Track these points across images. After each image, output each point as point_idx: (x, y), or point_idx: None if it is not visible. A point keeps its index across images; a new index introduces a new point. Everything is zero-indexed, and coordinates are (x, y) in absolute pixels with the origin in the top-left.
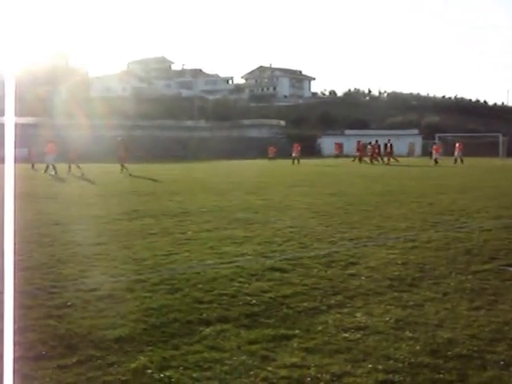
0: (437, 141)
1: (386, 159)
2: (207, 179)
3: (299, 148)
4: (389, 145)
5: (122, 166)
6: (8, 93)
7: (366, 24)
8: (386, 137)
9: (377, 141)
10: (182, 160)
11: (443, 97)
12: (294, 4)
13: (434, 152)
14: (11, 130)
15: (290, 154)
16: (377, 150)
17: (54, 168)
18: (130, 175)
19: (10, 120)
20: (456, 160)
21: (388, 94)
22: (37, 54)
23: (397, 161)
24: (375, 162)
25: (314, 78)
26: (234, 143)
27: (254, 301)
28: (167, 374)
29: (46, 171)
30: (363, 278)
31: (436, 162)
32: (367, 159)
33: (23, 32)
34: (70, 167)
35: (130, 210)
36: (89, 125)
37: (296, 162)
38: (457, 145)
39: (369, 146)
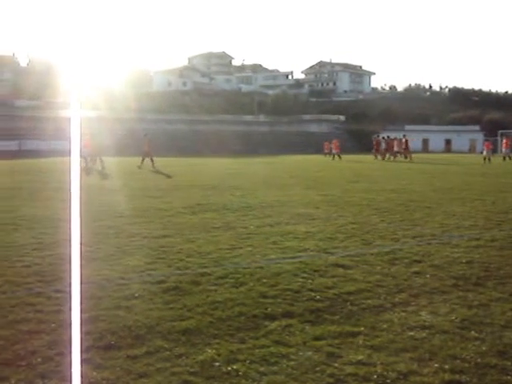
0: (487, 138)
1: (404, 156)
2: (267, 174)
3: (338, 144)
4: (404, 140)
5: (143, 160)
6: (73, 88)
7: (427, 18)
8: (447, 133)
9: (404, 135)
10: (242, 155)
11: (506, 92)
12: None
13: (485, 149)
14: (76, 124)
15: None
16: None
17: (86, 162)
18: (154, 171)
19: (76, 114)
20: (504, 157)
21: (449, 89)
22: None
23: (410, 158)
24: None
25: (374, 73)
26: (293, 138)
27: (318, 297)
28: (234, 367)
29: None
30: (427, 276)
31: (486, 159)
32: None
33: (87, 28)
34: (142, 160)
35: (192, 204)
36: (150, 119)
37: (333, 157)
38: (504, 141)
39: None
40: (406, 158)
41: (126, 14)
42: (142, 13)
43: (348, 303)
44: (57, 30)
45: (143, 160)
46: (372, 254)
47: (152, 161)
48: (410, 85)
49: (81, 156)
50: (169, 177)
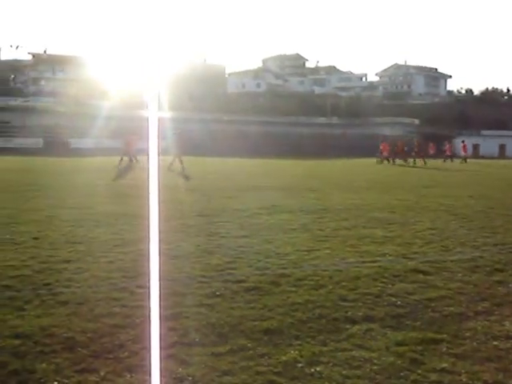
0: None
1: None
2: (340, 177)
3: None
4: (416, 144)
5: (180, 160)
6: (150, 88)
7: (505, 20)
8: None
9: (463, 141)
10: (314, 157)
11: None
12: (428, 1)
13: None
14: (154, 124)
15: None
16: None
17: (131, 161)
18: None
19: (153, 114)
20: None
21: None
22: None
23: (423, 163)
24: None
25: (450, 76)
26: (366, 141)
27: (398, 302)
28: (318, 368)
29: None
30: (510, 285)
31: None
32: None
33: (164, 30)
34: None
35: (268, 205)
36: (226, 120)
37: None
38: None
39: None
40: (405, 161)
41: (202, 15)
42: (217, 14)
43: (429, 310)
44: (132, 30)
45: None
46: (452, 261)
47: (180, 162)
48: (486, 88)
49: (126, 155)
50: (242, 178)
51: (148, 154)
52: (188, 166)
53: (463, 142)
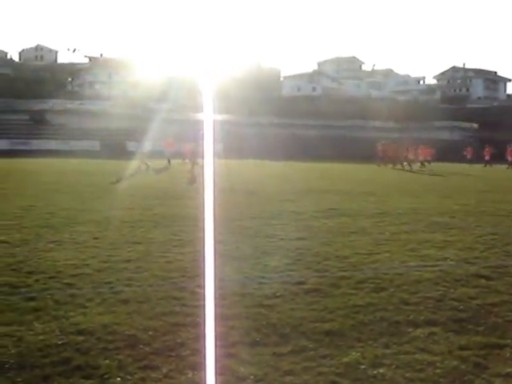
0: None
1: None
2: (399, 180)
3: (491, 152)
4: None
5: (193, 164)
6: (206, 91)
7: None
8: None
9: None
10: (370, 161)
11: None
12: (487, 3)
13: None
14: (210, 127)
15: (483, 158)
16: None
17: (169, 162)
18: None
19: (209, 117)
20: None
21: None
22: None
23: (409, 166)
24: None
25: (510, 80)
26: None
27: (461, 306)
28: (380, 371)
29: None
30: None
31: None
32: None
33: (219, 33)
34: (192, 164)
35: (326, 208)
36: (281, 124)
37: (488, 165)
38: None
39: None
40: (401, 165)
41: (258, 18)
42: (273, 17)
43: (492, 315)
44: (188, 33)
45: (193, 164)
46: None
47: (194, 163)
48: None
49: (165, 156)
50: (298, 181)
51: (201, 157)
52: (243, 170)
53: (510, 146)
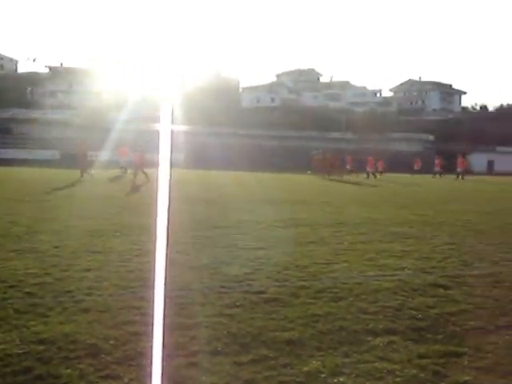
0: None
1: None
2: (356, 191)
3: (466, 163)
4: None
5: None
6: (166, 101)
7: None
8: None
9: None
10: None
11: None
12: (444, 17)
13: None
14: (167, 137)
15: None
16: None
17: (125, 170)
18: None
19: (166, 127)
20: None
21: None
22: (191, 65)
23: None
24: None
25: (465, 93)
26: (381, 156)
27: (419, 315)
28: (341, 379)
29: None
30: None
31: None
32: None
33: (179, 44)
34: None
35: (285, 218)
36: (241, 134)
37: (461, 177)
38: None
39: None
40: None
41: (217, 29)
42: (232, 29)
43: (450, 323)
44: (148, 43)
45: (135, 174)
46: (471, 276)
47: (143, 173)
48: (501, 105)
49: (120, 166)
50: (257, 191)
51: (146, 167)
52: (203, 180)
53: (461, 156)
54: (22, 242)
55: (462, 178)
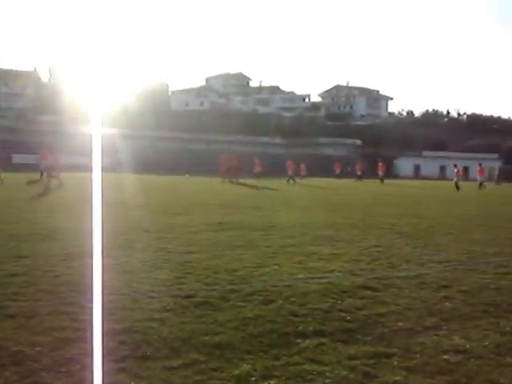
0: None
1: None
2: (284, 195)
3: (384, 168)
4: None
5: (42, 175)
6: (94, 105)
7: (445, 44)
8: (466, 160)
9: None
10: (258, 176)
11: None
12: (370, 23)
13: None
14: (98, 140)
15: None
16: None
17: (42, 175)
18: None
19: (97, 130)
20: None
21: (467, 115)
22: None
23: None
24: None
25: (392, 98)
26: (309, 161)
27: (348, 317)
28: (271, 382)
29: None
30: (457, 301)
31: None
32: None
33: (109, 44)
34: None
35: (214, 222)
36: (170, 137)
37: (381, 181)
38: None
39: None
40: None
41: (145, 32)
42: (160, 32)
43: (379, 325)
44: (78, 45)
45: (42, 175)
46: (399, 278)
47: (53, 176)
48: (427, 110)
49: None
50: (187, 195)
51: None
52: (130, 183)
53: (381, 161)
54: None
55: (382, 182)
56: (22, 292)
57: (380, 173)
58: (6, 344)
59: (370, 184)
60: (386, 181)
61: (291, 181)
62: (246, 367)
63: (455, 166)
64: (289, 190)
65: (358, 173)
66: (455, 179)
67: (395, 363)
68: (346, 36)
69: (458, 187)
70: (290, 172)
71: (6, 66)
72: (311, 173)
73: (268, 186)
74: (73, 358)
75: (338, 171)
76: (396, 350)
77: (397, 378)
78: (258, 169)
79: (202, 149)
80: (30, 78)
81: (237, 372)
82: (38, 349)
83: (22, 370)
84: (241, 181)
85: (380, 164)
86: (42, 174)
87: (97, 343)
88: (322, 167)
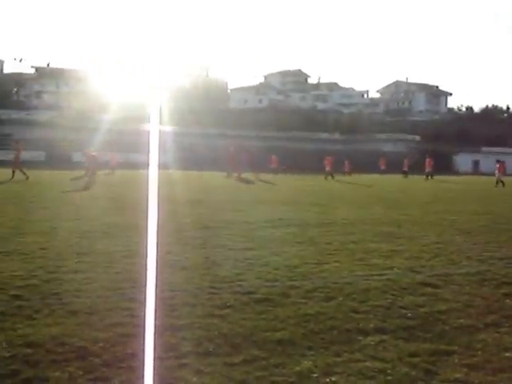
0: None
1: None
2: (345, 192)
3: (432, 163)
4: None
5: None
6: (153, 102)
7: (505, 38)
8: None
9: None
10: (317, 172)
11: None
12: (429, 18)
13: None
14: (155, 138)
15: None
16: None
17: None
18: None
19: (155, 128)
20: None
21: None
22: (179, 66)
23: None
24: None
25: (451, 94)
26: (368, 157)
27: (409, 314)
28: (333, 379)
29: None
30: None
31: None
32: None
33: (167, 44)
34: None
35: (274, 218)
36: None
37: (430, 177)
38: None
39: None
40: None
41: (205, 30)
42: (220, 30)
43: (440, 322)
44: (135, 43)
45: (14, 172)
46: (459, 274)
47: (22, 172)
48: (487, 106)
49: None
50: (248, 191)
51: (148, 167)
52: (191, 180)
53: (429, 157)
54: (8, 244)
55: (432, 178)
56: (84, 288)
57: (427, 168)
58: (70, 340)
59: (419, 180)
60: (443, 177)
61: (329, 177)
62: (307, 364)
63: (497, 161)
64: (343, 187)
65: (405, 169)
66: (497, 175)
67: (456, 361)
68: (406, 31)
69: (498, 182)
70: (327, 168)
71: (61, 65)
72: (363, 169)
73: (319, 182)
74: (134, 354)
75: (383, 167)
76: (457, 347)
77: (458, 376)
78: (274, 165)
79: (261, 146)
80: (87, 76)
81: (298, 368)
82: (99, 344)
83: (85, 366)
84: (248, 176)
85: (428, 159)
86: (86, 172)
87: (149, 339)
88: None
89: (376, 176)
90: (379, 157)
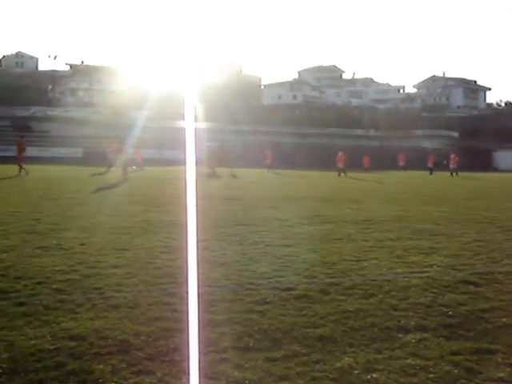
0: None
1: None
2: (382, 188)
3: (457, 159)
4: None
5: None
6: (187, 99)
7: None
8: None
9: None
10: (352, 168)
11: None
12: (469, 13)
13: None
14: (191, 134)
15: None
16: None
17: (109, 168)
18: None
19: (190, 125)
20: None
21: None
22: (212, 62)
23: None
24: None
25: (490, 89)
26: (405, 153)
27: (450, 312)
28: (374, 375)
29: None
30: None
31: None
32: None
33: (201, 41)
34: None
35: (310, 215)
36: (262, 131)
37: (455, 174)
38: (451, 156)
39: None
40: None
41: (239, 26)
42: (254, 26)
43: (482, 320)
44: (169, 41)
45: (21, 168)
46: (501, 273)
47: (22, 168)
48: None
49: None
50: (284, 188)
51: (184, 164)
52: (224, 177)
53: (453, 153)
54: (49, 239)
55: (457, 175)
56: (125, 283)
57: (452, 165)
58: (112, 333)
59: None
60: (481, 174)
61: (342, 174)
62: (348, 360)
63: None
64: (380, 184)
65: (429, 165)
66: None
67: (499, 359)
68: (443, 25)
69: None
70: (339, 165)
71: (95, 62)
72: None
73: (361, 178)
74: (176, 348)
75: (402, 163)
76: (500, 346)
77: (501, 375)
78: (268, 161)
79: (295, 142)
80: (120, 74)
81: (339, 365)
82: (142, 338)
83: (128, 359)
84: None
85: (452, 155)
86: (109, 167)
87: (193, 333)
88: (417, 160)
89: (401, 173)
90: (428, 154)
